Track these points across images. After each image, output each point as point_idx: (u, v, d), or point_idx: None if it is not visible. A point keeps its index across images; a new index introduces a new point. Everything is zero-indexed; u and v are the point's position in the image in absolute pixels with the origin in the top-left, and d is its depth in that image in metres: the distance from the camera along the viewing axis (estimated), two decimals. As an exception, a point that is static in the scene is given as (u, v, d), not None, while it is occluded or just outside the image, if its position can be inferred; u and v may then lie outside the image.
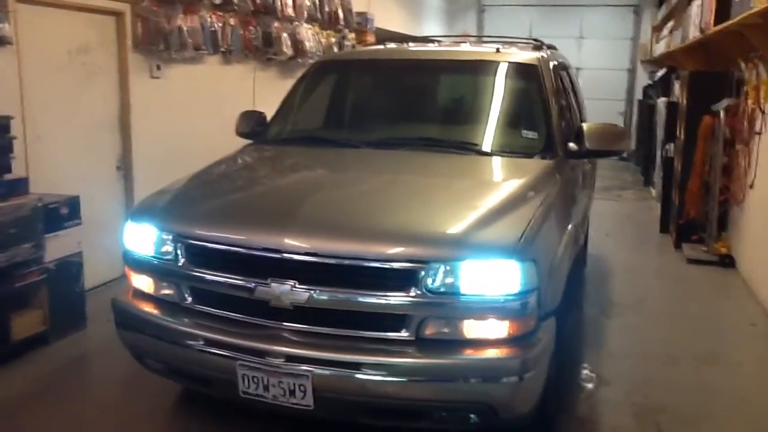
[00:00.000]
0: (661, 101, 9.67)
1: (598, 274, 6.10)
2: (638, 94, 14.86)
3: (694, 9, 7.84)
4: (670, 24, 10.79)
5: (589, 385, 3.88)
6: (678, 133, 7.49)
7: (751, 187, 5.87)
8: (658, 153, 9.21)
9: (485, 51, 4.36)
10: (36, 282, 4.15)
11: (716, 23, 6.29)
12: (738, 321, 5.13)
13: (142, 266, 3.08)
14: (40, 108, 4.64)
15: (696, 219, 6.84)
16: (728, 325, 5.12)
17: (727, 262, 6.37)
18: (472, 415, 2.68)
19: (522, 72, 4.09)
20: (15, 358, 4.00)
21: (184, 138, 6.01)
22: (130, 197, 5.54)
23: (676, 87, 8.88)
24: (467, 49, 4.61)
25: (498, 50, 4.23)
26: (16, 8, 4.36)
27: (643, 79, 14.99)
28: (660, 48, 11.97)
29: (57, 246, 4.30)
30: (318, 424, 3.19)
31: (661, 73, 11.47)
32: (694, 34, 7.82)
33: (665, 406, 3.65)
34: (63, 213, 4.35)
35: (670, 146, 7.94)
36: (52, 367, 4.00)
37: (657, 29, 13.24)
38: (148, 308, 3.04)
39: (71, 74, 4.96)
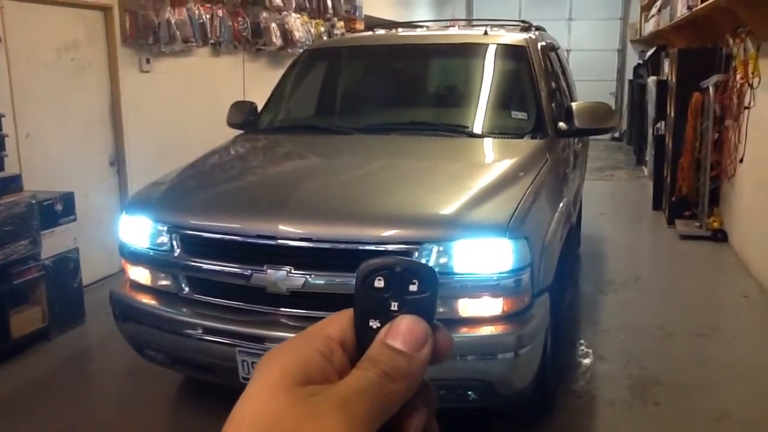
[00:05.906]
0: (651, 80, 9.68)
1: (593, 252, 6.14)
2: (629, 74, 14.86)
3: (682, -14, 7.85)
4: (659, 2, 10.78)
5: (586, 361, 3.93)
6: (668, 110, 7.52)
7: (741, 161, 5.90)
8: (650, 132, 9.24)
9: (473, 34, 4.39)
10: (34, 279, 4.17)
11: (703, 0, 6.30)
12: (731, 294, 5.18)
13: (138, 258, 3.10)
14: (31, 105, 4.64)
15: (688, 195, 6.88)
16: (722, 299, 5.17)
17: (720, 236, 6.42)
18: (470, 393, 2.72)
19: (510, 53, 4.11)
20: (17, 354, 4.03)
21: (176, 131, 6.01)
22: (125, 192, 5.54)
23: (666, 65, 8.90)
24: (456, 33, 4.62)
25: (486, 32, 4.25)
26: (3, 4, 4.35)
27: (633, 59, 14.96)
28: (649, 27, 11.98)
29: (53, 242, 4.32)
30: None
31: (650, 52, 11.47)
32: (682, 11, 7.82)
33: (661, 378, 3.70)
34: (58, 209, 4.37)
35: (661, 124, 7.96)
36: (54, 362, 4.03)
37: (646, 8, 13.22)
38: (146, 299, 3.07)
39: (61, 71, 4.95)
